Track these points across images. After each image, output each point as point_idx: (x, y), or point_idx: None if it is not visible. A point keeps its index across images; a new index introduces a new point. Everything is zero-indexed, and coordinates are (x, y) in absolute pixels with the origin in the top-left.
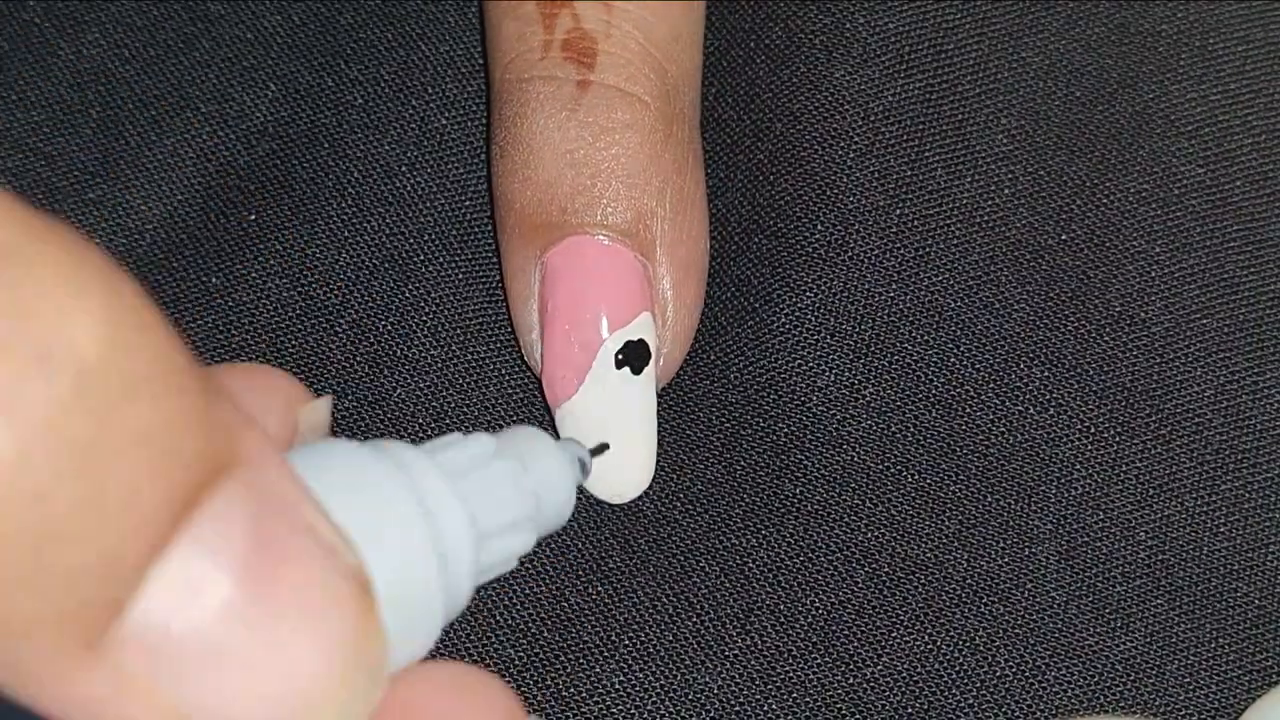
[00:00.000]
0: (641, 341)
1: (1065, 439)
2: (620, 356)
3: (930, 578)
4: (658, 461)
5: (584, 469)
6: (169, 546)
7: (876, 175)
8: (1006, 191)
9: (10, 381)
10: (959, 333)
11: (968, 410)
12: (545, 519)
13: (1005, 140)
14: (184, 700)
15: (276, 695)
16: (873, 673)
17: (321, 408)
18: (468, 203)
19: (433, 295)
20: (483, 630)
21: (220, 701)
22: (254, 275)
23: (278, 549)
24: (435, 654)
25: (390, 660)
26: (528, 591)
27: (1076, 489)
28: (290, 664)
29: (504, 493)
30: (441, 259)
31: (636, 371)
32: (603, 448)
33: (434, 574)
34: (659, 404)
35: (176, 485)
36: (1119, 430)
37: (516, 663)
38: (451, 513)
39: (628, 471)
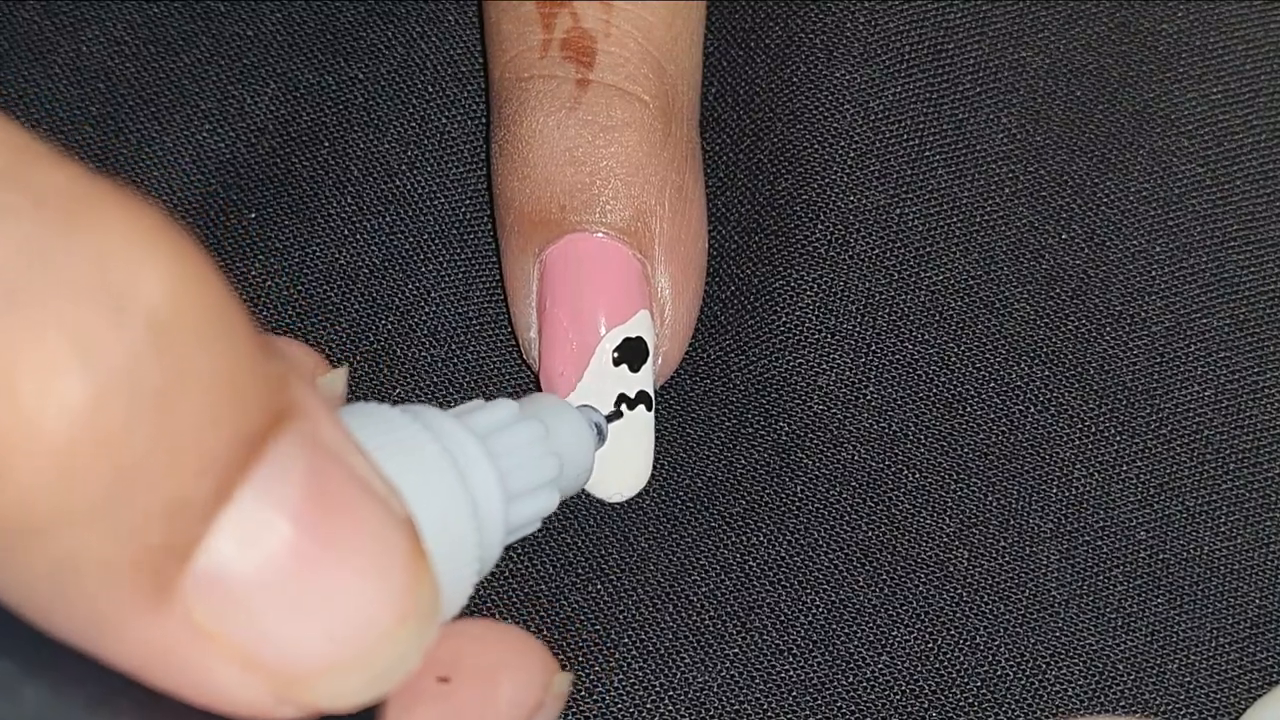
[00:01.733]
0: (639, 339)
1: (1066, 438)
2: (617, 354)
3: (931, 577)
4: (658, 460)
5: (601, 434)
6: (233, 493)
7: (877, 174)
8: (1007, 190)
9: (85, 328)
10: (959, 332)
11: (968, 409)
12: (567, 480)
13: (1005, 139)
14: (247, 642)
15: (336, 637)
16: (873, 672)
17: (338, 378)
18: (468, 202)
19: (433, 295)
20: None
21: (281, 643)
22: (253, 274)
23: (334, 497)
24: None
25: (441, 610)
26: (527, 590)
27: (1077, 488)
28: (348, 605)
29: (529, 454)
30: (442, 258)
31: (634, 369)
32: (616, 414)
33: (469, 531)
34: (658, 402)
35: (240, 432)
36: (1119, 429)
37: None
38: (483, 472)
39: (625, 470)
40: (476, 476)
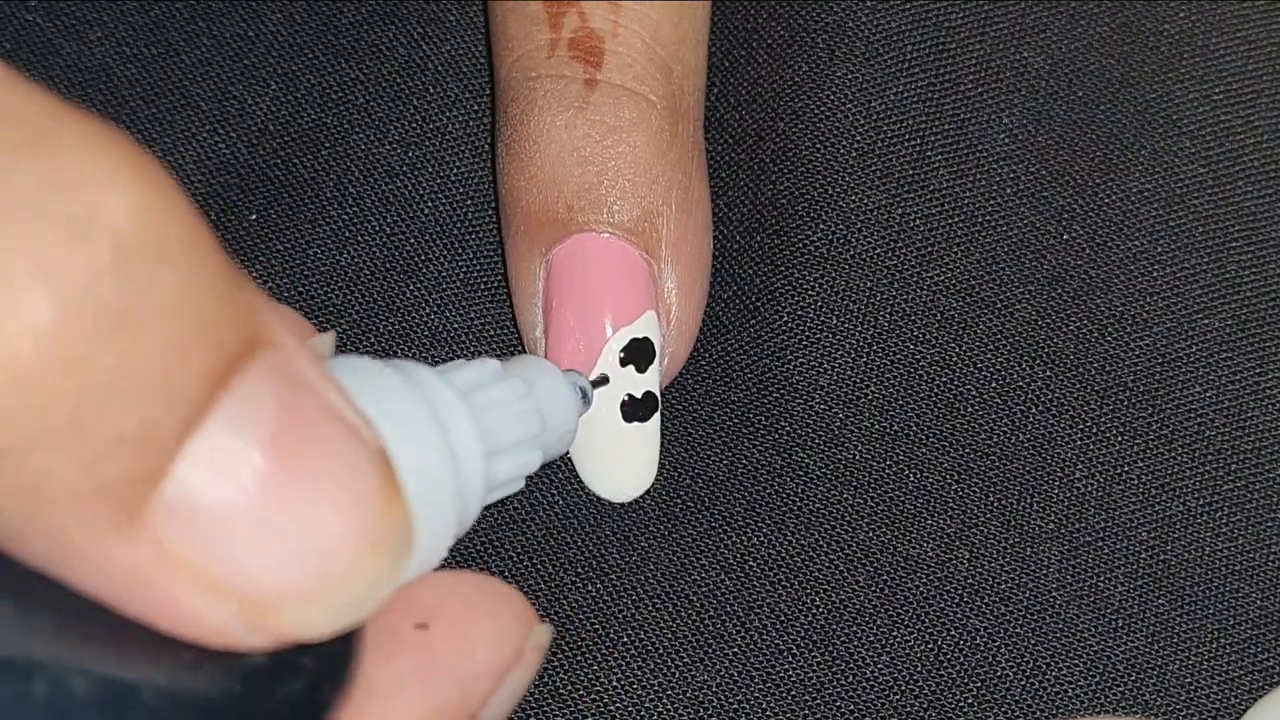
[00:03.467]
0: (646, 339)
1: (1067, 438)
2: (624, 355)
3: (931, 577)
4: (659, 459)
5: (585, 397)
6: (203, 420)
7: (878, 174)
8: (1008, 190)
9: (49, 249)
10: (960, 332)
11: (969, 409)
12: (550, 440)
13: (1007, 139)
14: (217, 569)
15: (304, 563)
16: (873, 672)
17: (326, 342)
18: (469, 203)
19: (433, 295)
20: None
21: (251, 569)
22: (254, 275)
23: (305, 426)
24: None
25: (414, 542)
26: (526, 588)
27: (1078, 488)
28: (317, 533)
29: (511, 410)
30: (443, 259)
31: (641, 370)
32: (603, 379)
33: (448, 481)
34: (660, 402)
35: (209, 360)
36: (1120, 430)
37: None
38: (463, 426)
39: (631, 470)
40: (457, 428)
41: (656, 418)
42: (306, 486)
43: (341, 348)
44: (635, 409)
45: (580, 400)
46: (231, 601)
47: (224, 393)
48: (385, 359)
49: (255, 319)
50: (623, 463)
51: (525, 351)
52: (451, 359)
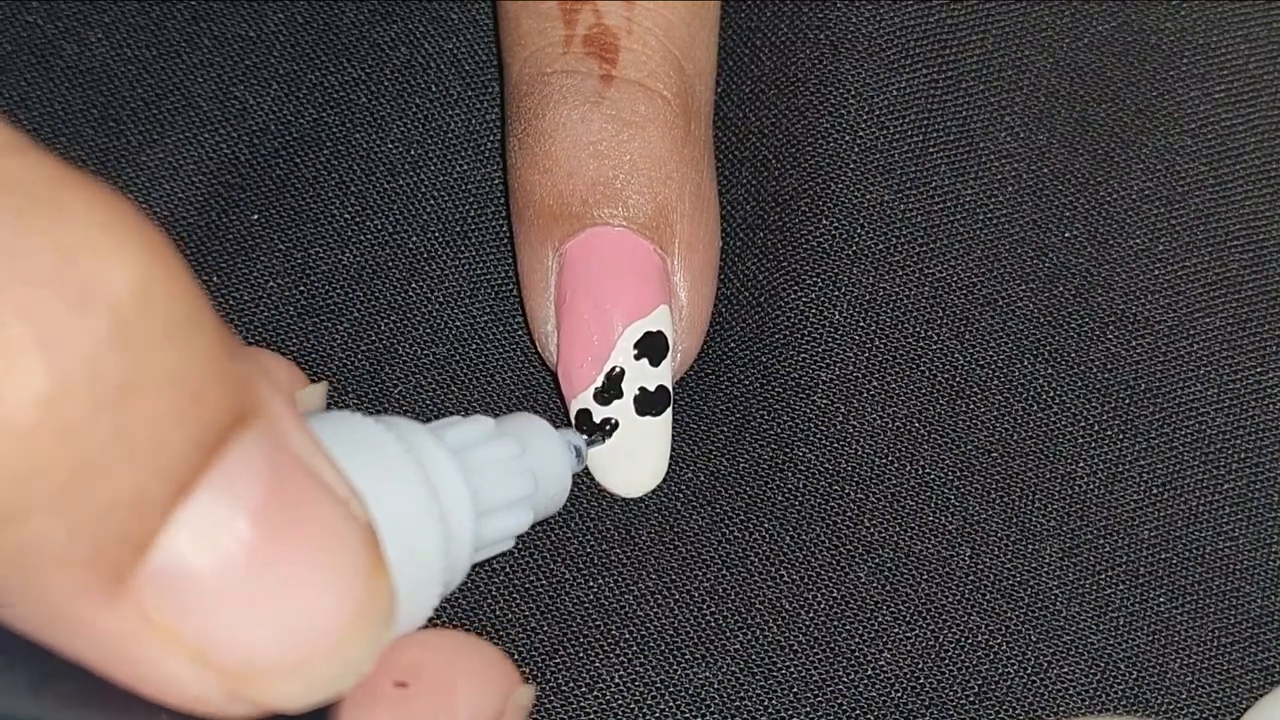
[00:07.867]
0: (660, 333)
1: (1068, 436)
2: (637, 349)
3: (933, 574)
4: None
5: (579, 455)
6: (193, 489)
7: (881, 171)
8: (1010, 188)
9: (51, 319)
10: (962, 329)
11: (971, 406)
12: (542, 500)
13: (1009, 137)
14: (200, 638)
15: (288, 636)
16: (874, 668)
17: (317, 393)
18: (471, 200)
19: (435, 294)
20: (482, 624)
21: (234, 641)
22: (256, 274)
23: (294, 498)
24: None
25: (397, 615)
26: (528, 585)
27: (1079, 486)
28: (303, 606)
29: (503, 471)
30: (444, 258)
31: (654, 364)
32: (598, 439)
33: (436, 542)
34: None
35: (202, 429)
36: (1122, 428)
37: (516, 656)
38: (454, 486)
39: (644, 464)
40: (447, 490)
41: (669, 412)
42: (292, 560)
43: (343, 346)
44: (648, 403)
45: (574, 459)
46: (214, 672)
47: (215, 462)
48: (376, 416)
49: (250, 389)
50: (635, 456)
51: (537, 345)
52: (453, 357)
